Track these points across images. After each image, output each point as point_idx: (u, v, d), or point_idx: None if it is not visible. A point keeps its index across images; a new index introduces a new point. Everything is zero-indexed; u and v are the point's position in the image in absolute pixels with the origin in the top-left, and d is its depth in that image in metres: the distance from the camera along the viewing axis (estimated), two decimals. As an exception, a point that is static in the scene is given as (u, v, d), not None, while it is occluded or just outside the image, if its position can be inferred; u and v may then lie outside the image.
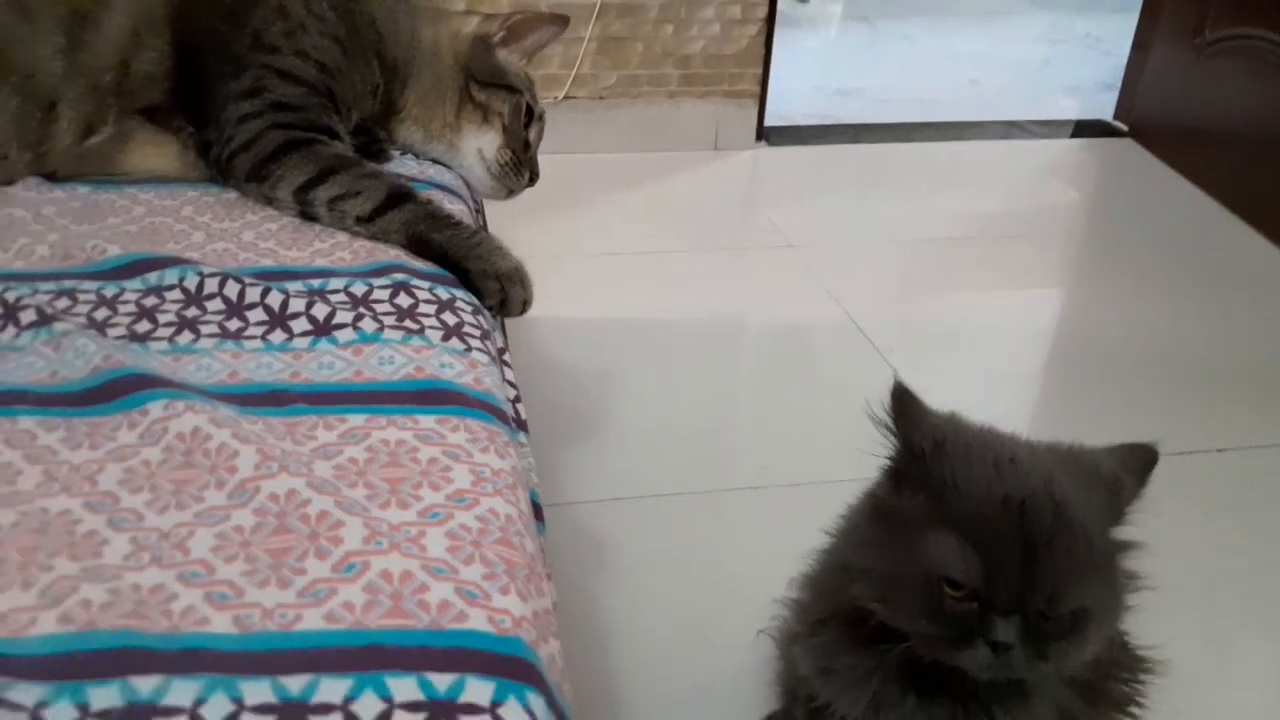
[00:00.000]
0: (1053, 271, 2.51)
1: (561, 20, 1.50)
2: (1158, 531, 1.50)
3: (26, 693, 0.62)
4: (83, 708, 0.62)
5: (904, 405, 0.89)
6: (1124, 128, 3.17)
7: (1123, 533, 0.90)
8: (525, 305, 1.22)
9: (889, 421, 0.88)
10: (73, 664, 0.64)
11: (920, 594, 0.83)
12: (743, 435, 1.89)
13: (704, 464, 1.77)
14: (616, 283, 2.29)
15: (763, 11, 2.85)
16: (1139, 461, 0.90)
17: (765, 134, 3.01)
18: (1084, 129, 3.24)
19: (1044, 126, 3.25)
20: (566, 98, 2.82)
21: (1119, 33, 3.25)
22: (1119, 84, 3.22)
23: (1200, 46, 2.86)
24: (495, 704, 0.64)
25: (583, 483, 1.67)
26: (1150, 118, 3.10)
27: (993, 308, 2.29)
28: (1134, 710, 1.12)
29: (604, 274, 2.31)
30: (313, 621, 0.69)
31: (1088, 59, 3.82)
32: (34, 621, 0.67)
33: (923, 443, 0.86)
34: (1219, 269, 2.47)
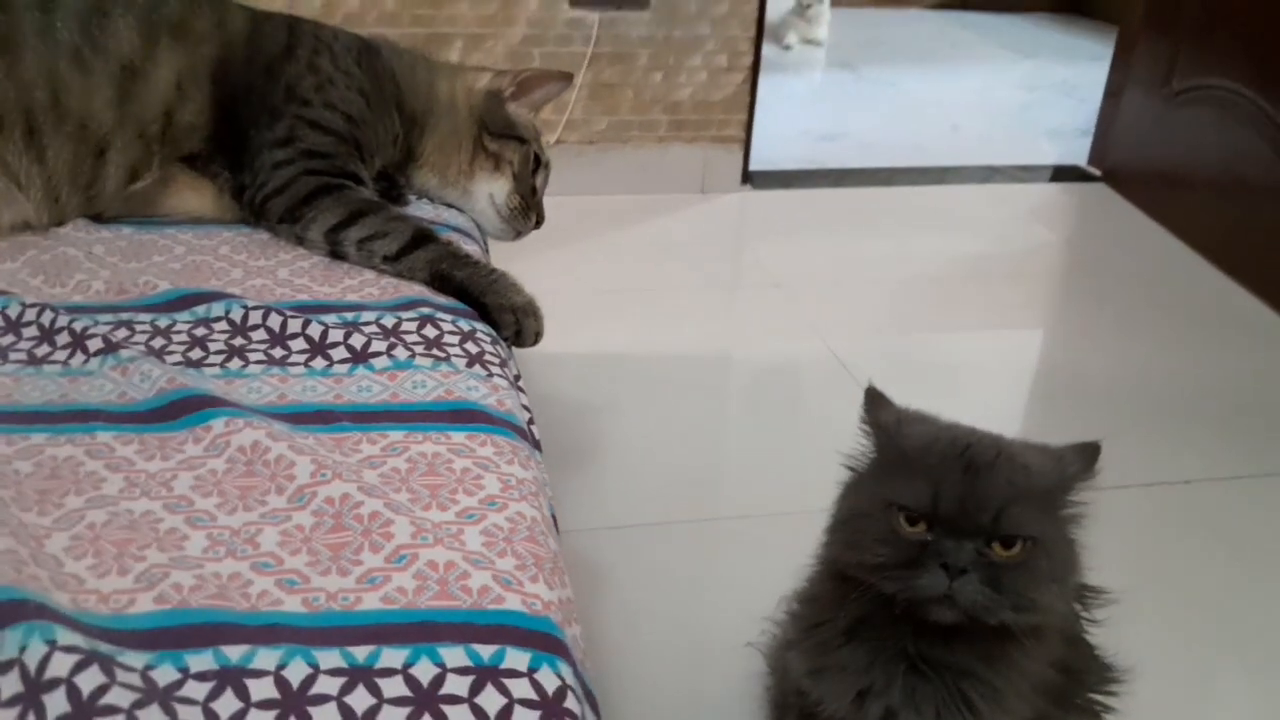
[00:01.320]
0: (1030, 311, 2.63)
1: (566, 77, 1.63)
2: (1129, 555, 1.62)
3: (136, 658, 0.73)
4: (183, 670, 0.73)
5: (874, 400, 1.02)
6: (1098, 173, 3.30)
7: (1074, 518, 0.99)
8: (538, 336, 1.34)
9: (863, 414, 1.00)
10: (170, 636, 0.75)
11: (878, 525, 0.94)
12: (731, 467, 1.98)
13: (694, 494, 1.86)
14: (608, 319, 2.38)
15: (748, 60, 2.98)
16: (1086, 452, 0.99)
17: (750, 178, 3.13)
18: (1061, 174, 3.35)
19: (1023, 171, 3.36)
20: (559, 142, 2.94)
21: (1095, 80, 3.37)
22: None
23: (1169, 96, 2.98)
24: (532, 670, 0.76)
25: (577, 511, 1.75)
26: (1123, 163, 3.22)
27: (972, 345, 2.40)
28: (1104, 718, 1.23)
29: (596, 311, 2.40)
30: (372, 603, 0.80)
31: (1065, 106, 3.95)
32: (133, 601, 0.78)
33: (887, 420, 0.99)
34: (1187, 309, 2.58)
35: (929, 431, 0.99)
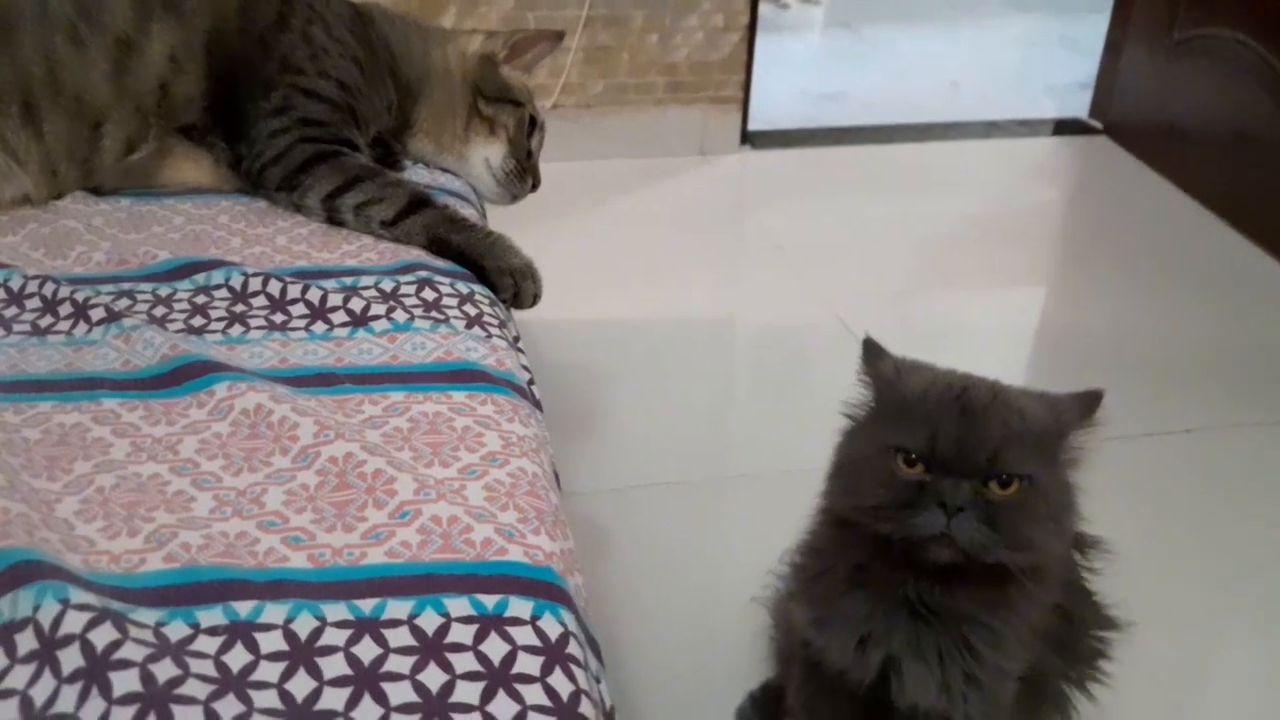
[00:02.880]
0: (1033, 267, 2.63)
1: (557, 36, 1.63)
2: (1130, 504, 1.64)
3: (148, 615, 0.74)
4: (194, 626, 0.75)
5: (872, 351, 1.04)
6: (1099, 126, 3.29)
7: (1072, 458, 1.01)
8: (536, 298, 1.35)
9: (861, 366, 1.02)
10: (180, 593, 0.77)
11: (877, 468, 0.95)
12: (733, 428, 2.00)
13: (696, 456, 1.88)
14: (609, 284, 2.39)
15: (745, 19, 2.97)
16: (1086, 399, 1.00)
17: (749, 138, 3.13)
18: (1062, 128, 3.34)
19: (1023, 126, 3.35)
20: (555, 106, 2.93)
21: (1094, 33, 3.34)
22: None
23: (1170, 46, 2.97)
24: (534, 618, 0.77)
25: (581, 474, 1.77)
26: (1124, 116, 3.21)
27: (976, 303, 2.40)
28: (1101, 664, 1.23)
29: (597, 276, 2.40)
30: (376, 558, 0.82)
31: (1064, 59, 3.93)
32: (144, 561, 0.80)
33: (885, 369, 1.01)
34: (1192, 261, 2.58)
35: (926, 377, 1.00)
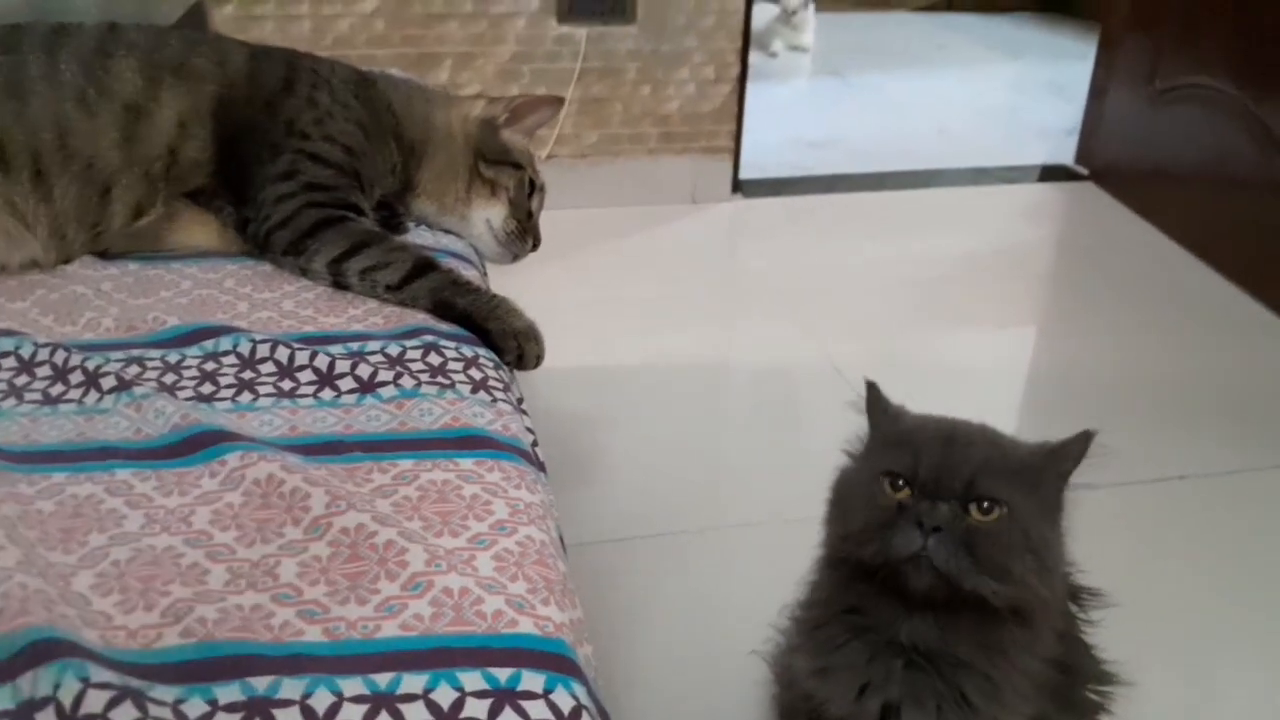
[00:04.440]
0: (1022, 311, 2.67)
1: (558, 101, 1.66)
2: (1124, 553, 1.66)
3: (166, 692, 0.76)
4: (212, 702, 0.76)
5: (873, 394, 1.09)
6: (1085, 171, 3.33)
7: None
8: (539, 360, 1.37)
9: (864, 405, 1.08)
10: (198, 669, 0.79)
11: (865, 493, 1.00)
12: (731, 476, 2.02)
13: (695, 504, 1.90)
14: (605, 332, 2.41)
15: (735, 71, 3.02)
16: (1078, 442, 1.03)
17: (741, 186, 3.17)
18: (1049, 173, 3.38)
19: (1011, 171, 3.40)
20: (550, 157, 2.97)
21: (1080, 79, 3.40)
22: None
23: (1153, 94, 3.02)
24: (547, 691, 0.79)
25: (580, 524, 1.78)
26: (1110, 162, 3.26)
27: (966, 348, 2.44)
28: (1102, 718, 1.25)
29: (592, 324, 2.43)
30: (390, 630, 0.83)
31: (1052, 105, 3.98)
32: (160, 636, 0.82)
33: (883, 410, 1.07)
34: (1177, 305, 2.62)
35: (921, 417, 1.07)
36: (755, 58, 3.19)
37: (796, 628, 1.18)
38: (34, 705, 0.73)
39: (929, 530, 0.95)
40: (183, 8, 1.81)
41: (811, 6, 4.47)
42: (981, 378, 2.30)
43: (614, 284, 2.65)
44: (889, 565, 0.98)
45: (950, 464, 0.97)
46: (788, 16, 4.42)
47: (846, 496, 1.05)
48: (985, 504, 0.96)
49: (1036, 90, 4.18)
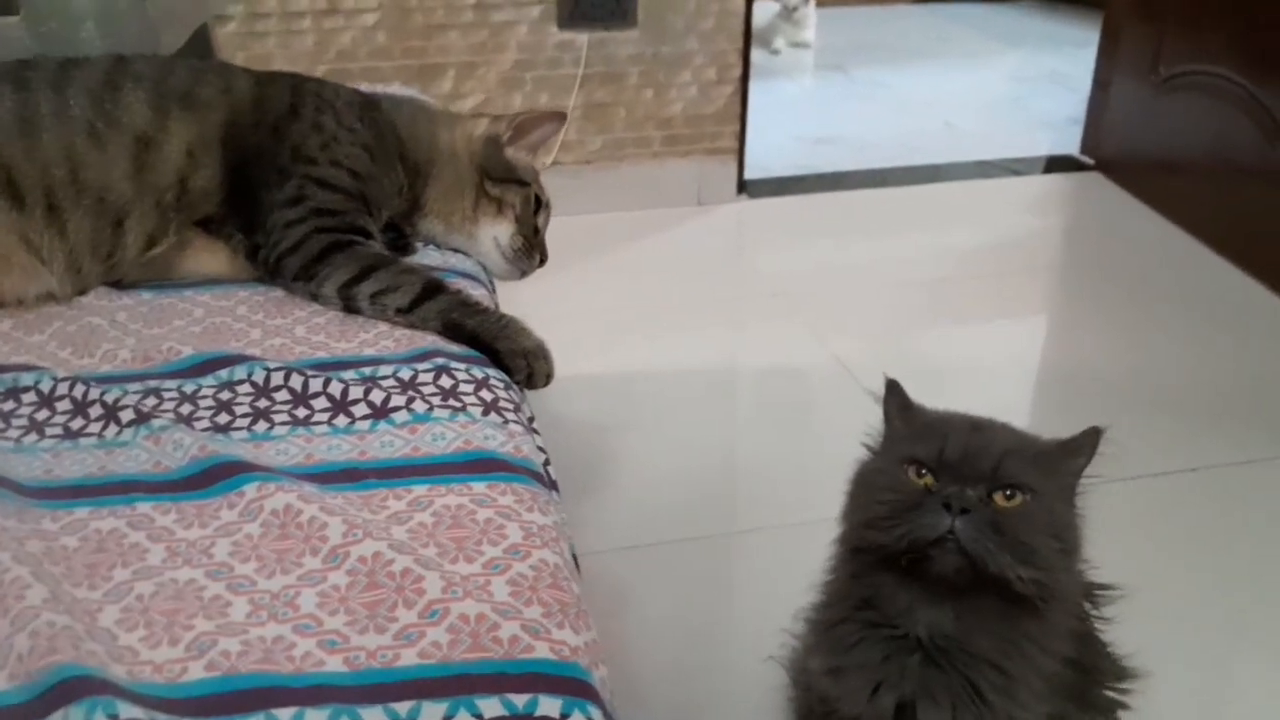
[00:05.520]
0: (1030, 305, 2.67)
1: (560, 116, 1.68)
2: (1138, 547, 1.67)
3: (192, 727, 0.78)
4: (238, 736, 0.78)
5: (893, 390, 1.13)
6: (1090, 162, 3.34)
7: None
8: (549, 378, 1.39)
9: (880, 400, 1.11)
10: (223, 702, 0.81)
11: (889, 479, 1.03)
12: (742, 480, 2.03)
13: (707, 510, 1.92)
14: (613, 338, 2.44)
15: (737, 72, 3.04)
16: (1087, 438, 1.06)
17: (746, 187, 3.18)
18: (1054, 164, 3.39)
19: (1016, 163, 3.41)
20: (555, 164, 2.99)
21: (1084, 68, 3.40)
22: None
23: (1157, 82, 3.03)
24: (564, 716, 0.81)
25: (592, 533, 1.80)
26: (1115, 152, 3.26)
27: (975, 343, 2.45)
28: (1120, 715, 1.27)
29: (600, 330, 2.45)
30: (409, 659, 0.85)
31: (1056, 94, 3.98)
32: (185, 670, 0.84)
33: (904, 406, 1.11)
34: (1186, 293, 2.63)
35: (942, 411, 1.11)
36: (757, 55, 3.20)
37: (811, 628, 1.20)
38: (65, 743, 0.75)
39: (957, 511, 0.97)
40: (187, 34, 1.84)
41: (812, 2, 4.48)
42: (991, 373, 2.31)
43: (621, 289, 2.67)
44: (914, 549, 1.00)
45: (975, 450, 1.00)
46: (789, 13, 4.44)
47: (869, 485, 1.07)
48: (1010, 489, 0.99)
49: (1040, 80, 4.18)
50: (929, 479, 1.01)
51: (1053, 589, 1.01)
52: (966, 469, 1.00)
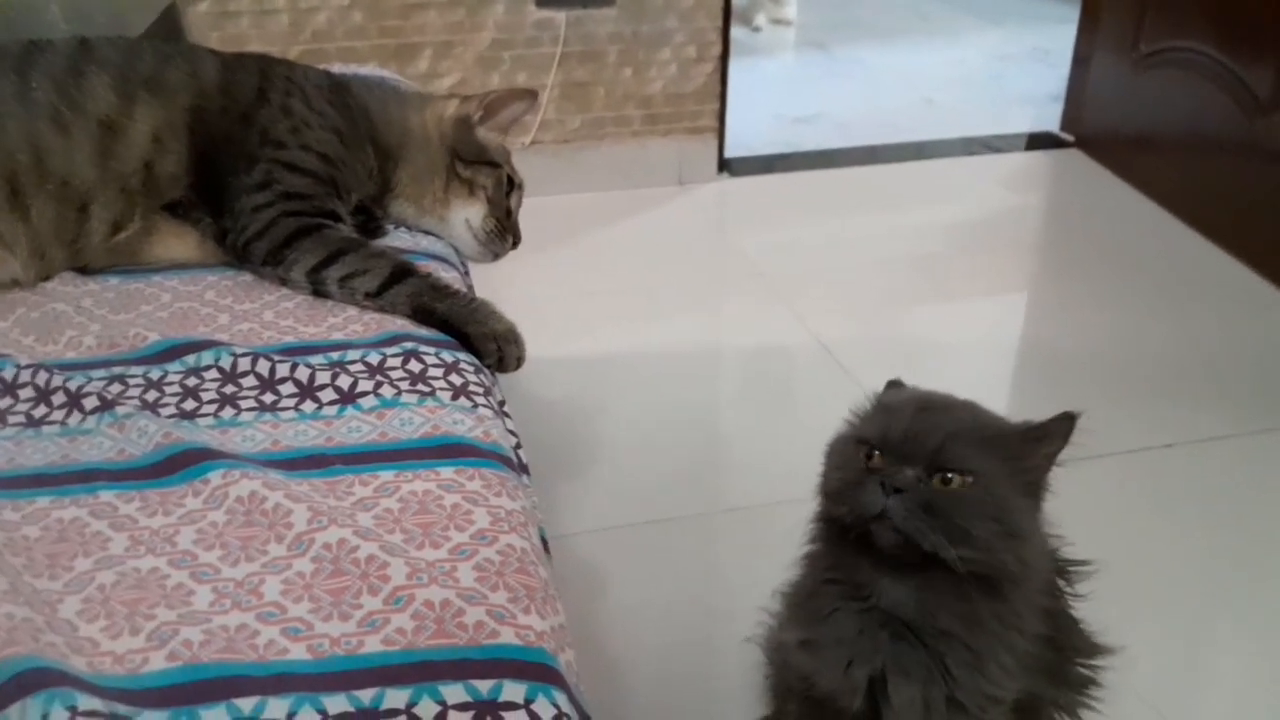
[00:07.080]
0: (1010, 282, 2.68)
1: (531, 94, 1.66)
2: (1112, 523, 1.67)
3: (153, 717, 0.77)
4: (199, 727, 0.77)
5: (891, 386, 1.15)
6: (1071, 138, 3.34)
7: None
8: (519, 361, 1.38)
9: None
10: (184, 692, 0.80)
11: (843, 457, 1.06)
12: (721, 460, 2.03)
13: (685, 490, 1.92)
14: (592, 318, 2.43)
15: (717, 50, 3.02)
16: (1060, 423, 1.05)
17: (727, 165, 3.17)
18: (1035, 141, 3.40)
19: (998, 140, 3.41)
20: (534, 143, 2.98)
21: (1065, 45, 3.39)
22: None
23: (1137, 59, 3.02)
24: (528, 701, 0.80)
25: (567, 516, 1.80)
26: (1095, 128, 3.26)
27: (955, 321, 2.45)
28: (1092, 690, 1.27)
29: (580, 311, 2.45)
30: (373, 646, 0.84)
31: (1037, 71, 3.98)
32: (146, 660, 0.83)
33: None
34: (1163, 270, 2.63)
35: (908, 390, 1.13)
36: (738, 32, 3.18)
37: (785, 600, 1.21)
38: (22, 736, 0.74)
39: (890, 491, 0.99)
40: (154, 14, 1.81)
41: (793, -21, 4.46)
42: (971, 350, 2.31)
43: (601, 269, 2.66)
44: (858, 524, 1.02)
45: (918, 432, 1.02)
46: (770, -10, 4.42)
47: (829, 458, 1.10)
48: (949, 473, 1.00)
49: (1021, 57, 4.17)
50: (877, 458, 1.03)
51: (998, 571, 1.02)
52: (908, 449, 1.01)
